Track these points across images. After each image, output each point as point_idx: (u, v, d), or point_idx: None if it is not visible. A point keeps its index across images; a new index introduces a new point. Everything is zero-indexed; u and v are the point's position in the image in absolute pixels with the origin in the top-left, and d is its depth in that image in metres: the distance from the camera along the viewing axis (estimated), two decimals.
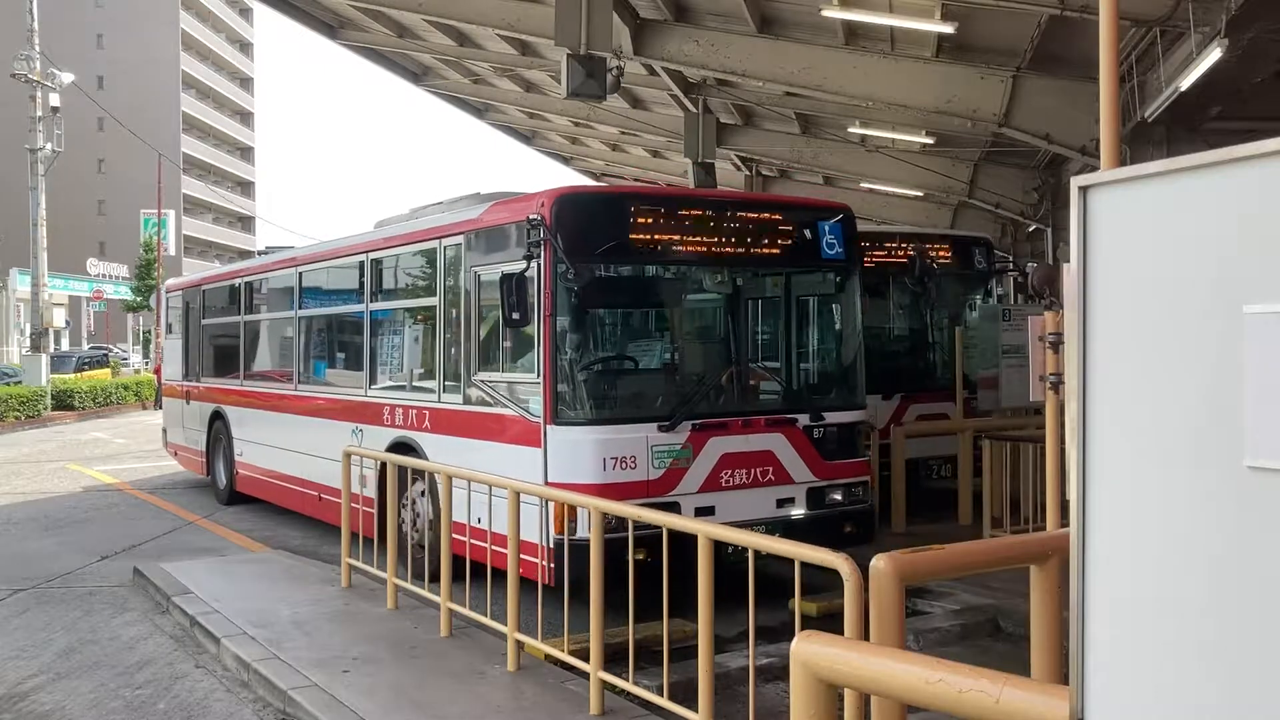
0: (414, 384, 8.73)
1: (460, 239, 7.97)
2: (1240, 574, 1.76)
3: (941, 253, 11.79)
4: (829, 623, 5.08)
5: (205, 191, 77.80)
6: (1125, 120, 11.31)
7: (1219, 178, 1.81)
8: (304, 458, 10.35)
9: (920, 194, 22.30)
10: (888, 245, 11.55)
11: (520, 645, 5.65)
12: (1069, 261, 2.15)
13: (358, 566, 7.52)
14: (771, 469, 7.48)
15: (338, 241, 10.70)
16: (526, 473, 6.80)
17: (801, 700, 2.94)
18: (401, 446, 8.45)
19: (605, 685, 4.98)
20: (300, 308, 10.92)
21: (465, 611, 6.18)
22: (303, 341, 10.94)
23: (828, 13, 12.21)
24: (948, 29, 11.74)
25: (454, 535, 6.52)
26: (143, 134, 52.71)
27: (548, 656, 5.68)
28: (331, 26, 19.78)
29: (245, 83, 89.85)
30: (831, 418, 7.82)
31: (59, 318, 44.97)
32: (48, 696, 5.76)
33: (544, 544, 6.68)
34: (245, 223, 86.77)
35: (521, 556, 6.02)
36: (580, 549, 5.88)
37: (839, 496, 7.77)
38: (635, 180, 34.84)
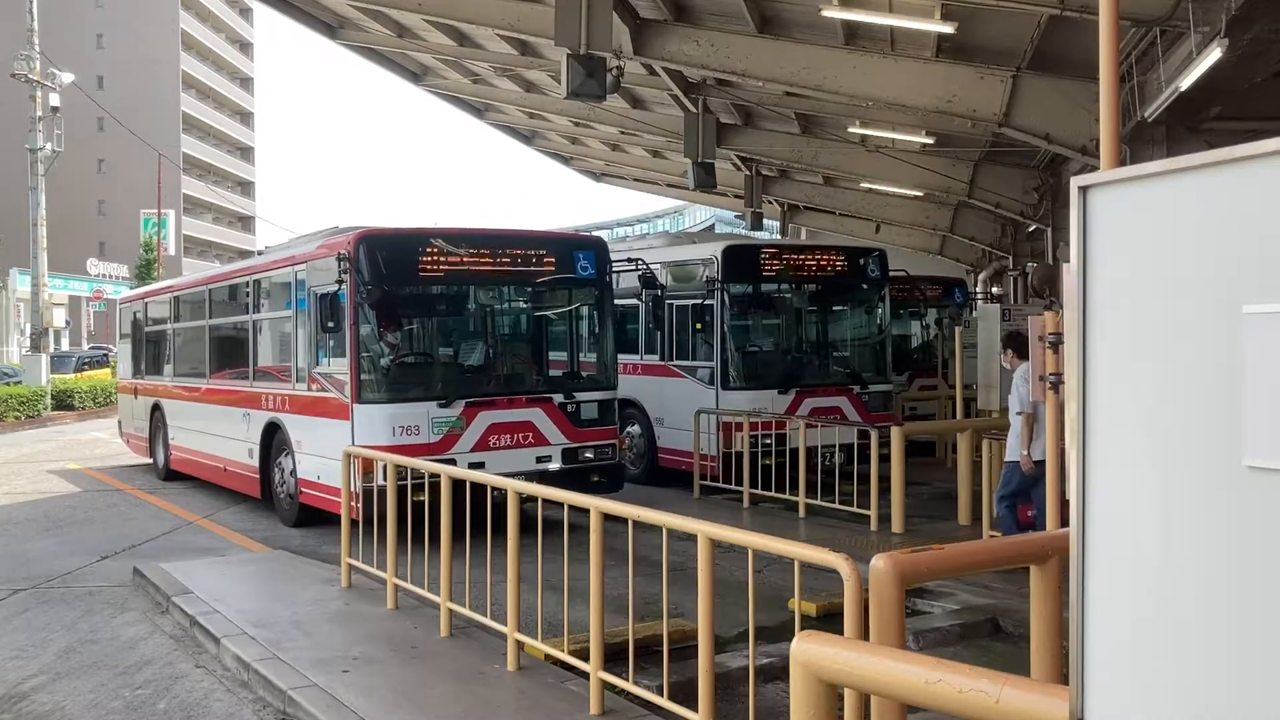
0: (279, 377, 11.19)
1: (305, 266, 10.46)
2: (1240, 574, 1.76)
3: (837, 264, 13.40)
4: (829, 623, 5.08)
5: (205, 191, 77.76)
6: (1125, 120, 11.31)
7: (1219, 178, 1.80)
8: (213, 438, 12.84)
9: (920, 194, 22.30)
10: (787, 258, 13.24)
11: (520, 645, 5.65)
12: (1069, 261, 2.15)
13: (358, 566, 7.52)
14: (531, 434, 10.02)
15: (235, 265, 14.43)
16: (343, 439, 9.24)
17: (801, 700, 2.94)
18: (273, 425, 11.02)
19: (605, 685, 4.97)
20: (210, 318, 13.58)
21: (465, 611, 6.18)
22: (211, 345, 13.49)
23: (828, 13, 12.21)
24: (948, 29, 11.73)
25: (308, 490, 9.68)
26: (143, 134, 52.72)
27: (547, 656, 5.68)
28: (331, 26, 19.77)
29: (245, 83, 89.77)
30: (583, 396, 10.40)
31: (59, 318, 44.92)
32: (47, 696, 5.76)
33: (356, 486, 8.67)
34: (245, 223, 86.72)
35: (337, 497, 8.61)
36: (376, 491, 8.14)
37: (590, 455, 10.32)
38: (635, 180, 34.90)
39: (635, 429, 13.67)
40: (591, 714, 4.92)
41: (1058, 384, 6.30)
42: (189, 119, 76.92)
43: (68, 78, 32.13)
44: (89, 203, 69.37)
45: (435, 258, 9.85)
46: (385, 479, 7.71)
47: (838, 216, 28.42)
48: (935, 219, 24.91)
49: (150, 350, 15.98)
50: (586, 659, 5.05)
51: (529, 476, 8.42)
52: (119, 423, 17.81)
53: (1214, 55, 8.88)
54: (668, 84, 17.50)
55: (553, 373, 11.05)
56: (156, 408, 15.10)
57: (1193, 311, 1.84)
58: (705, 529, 4.50)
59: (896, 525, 9.94)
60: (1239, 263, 1.76)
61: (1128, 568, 1.96)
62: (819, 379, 13.05)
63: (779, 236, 30.35)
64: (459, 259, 9.94)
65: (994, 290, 26.83)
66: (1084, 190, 2.03)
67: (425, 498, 6.69)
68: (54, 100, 30.95)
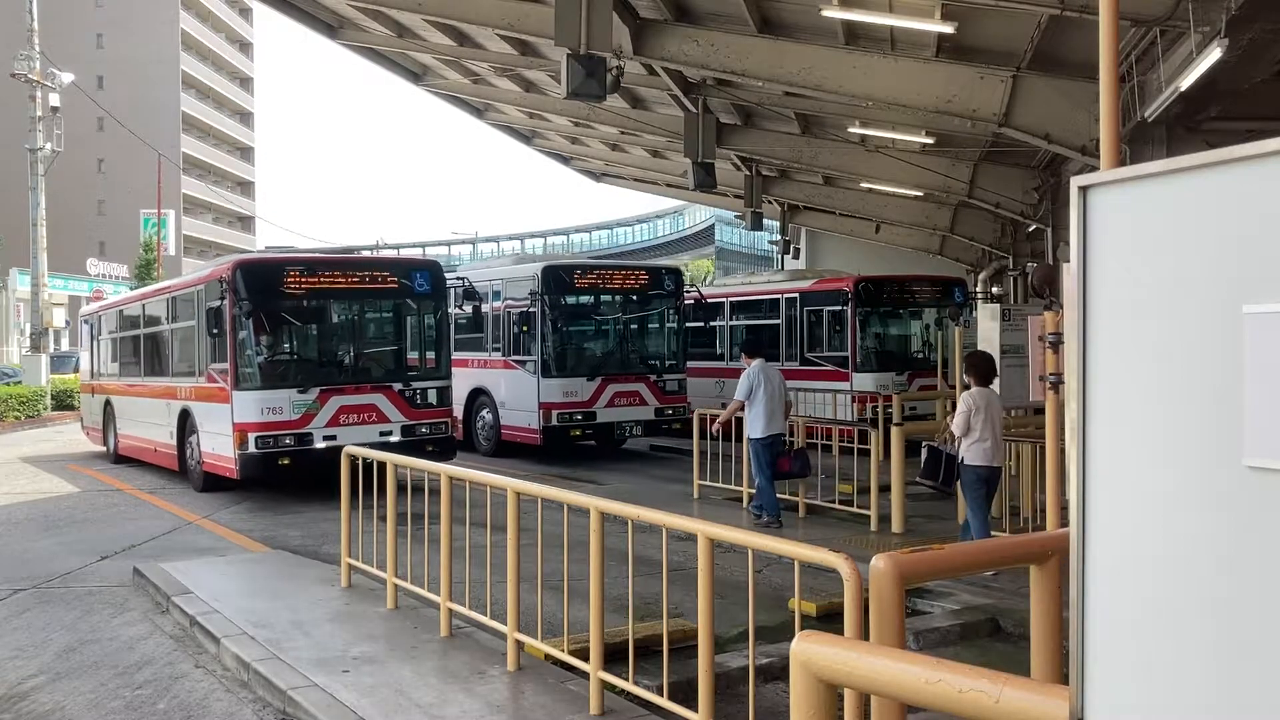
0: (189, 373, 13.86)
1: (204, 286, 13.17)
2: (1240, 574, 1.76)
3: (639, 279, 16.92)
4: (829, 623, 5.08)
5: (205, 191, 77.72)
6: (1125, 120, 11.31)
7: (1219, 178, 1.80)
8: (146, 425, 15.66)
9: (920, 194, 22.29)
10: (596, 274, 16.77)
11: (520, 645, 5.65)
12: (1069, 261, 2.15)
13: (358, 566, 7.52)
14: (375, 414, 12.74)
15: (160, 285, 17.65)
16: (227, 419, 12.26)
17: (801, 700, 2.94)
18: (185, 411, 13.83)
19: (605, 685, 4.97)
20: (143, 327, 16.42)
21: (465, 611, 6.18)
22: (145, 349, 16.41)
23: (828, 13, 12.21)
24: (948, 29, 11.74)
25: (208, 460, 13.09)
26: (143, 134, 52.69)
27: (547, 656, 5.68)
28: (331, 26, 19.76)
29: (245, 83, 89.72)
30: (419, 385, 13.15)
31: (59, 318, 44.92)
32: (48, 696, 5.76)
33: (234, 454, 12.19)
34: (245, 223, 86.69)
35: (225, 464, 12.46)
36: (250, 457, 12.07)
37: (425, 430, 13.04)
38: (635, 180, 34.88)
39: (487, 413, 16.86)
40: (591, 714, 4.92)
41: (1058, 384, 6.31)
42: (189, 119, 76.88)
43: (68, 78, 32.13)
44: (89, 203, 69.32)
45: (297, 278, 12.66)
46: (256, 447, 12.00)
47: (838, 216, 28.41)
48: (935, 219, 24.91)
49: (103, 355, 18.85)
50: (586, 659, 5.04)
51: (373, 446, 10.63)
52: (81, 418, 20.63)
53: (1214, 55, 8.88)
54: (668, 84, 17.49)
55: (394, 366, 13.71)
56: (108, 403, 17.82)
57: (1193, 311, 1.84)
58: (705, 529, 4.50)
59: (896, 525, 9.95)
60: (1239, 263, 1.76)
61: (1128, 568, 1.96)
62: (622, 369, 16.26)
63: (779, 236, 30.36)
64: (316, 279, 12.80)
65: (994, 290, 26.83)
66: (1084, 190, 2.02)
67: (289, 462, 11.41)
68: (54, 100, 30.95)
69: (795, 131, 20.64)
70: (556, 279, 15.86)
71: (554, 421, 15.43)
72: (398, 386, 12.97)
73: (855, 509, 10.40)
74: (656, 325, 17.19)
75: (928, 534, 9.68)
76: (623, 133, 25.02)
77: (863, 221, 27.33)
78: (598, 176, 35.79)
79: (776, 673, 5.63)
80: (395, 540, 6.95)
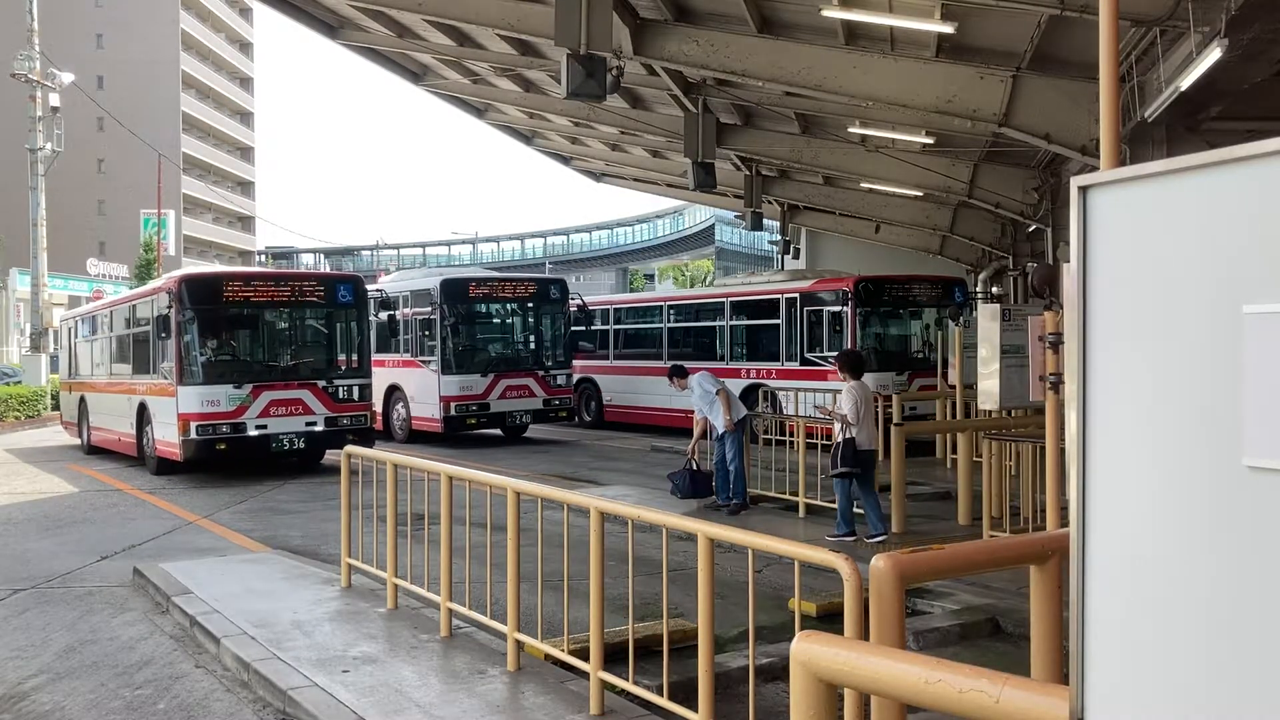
0: (147, 372, 15.77)
1: (155, 296, 15.33)
2: (1240, 574, 1.76)
3: (528, 290, 20.06)
4: (829, 623, 5.08)
5: (205, 191, 77.69)
6: (1125, 120, 11.31)
7: (1219, 178, 1.80)
8: (112, 418, 17.52)
9: (920, 194, 22.28)
10: (489, 284, 19.86)
11: (520, 645, 5.65)
12: (1069, 261, 2.15)
13: (358, 566, 7.52)
14: (301, 406, 14.79)
15: (122, 295, 19.91)
16: (173, 411, 14.22)
17: (801, 700, 2.94)
18: (143, 405, 15.74)
19: (605, 685, 4.97)
20: (109, 331, 18.39)
21: (465, 611, 6.18)
22: (111, 350, 18.29)
23: (828, 13, 12.20)
24: (948, 29, 11.73)
25: (159, 446, 15.03)
26: (143, 134, 52.69)
27: (547, 656, 5.68)
28: (331, 26, 19.75)
29: (245, 83, 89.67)
30: (342, 382, 15.29)
31: (59, 318, 44.95)
32: (47, 696, 5.76)
33: (179, 440, 14.16)
34: (245, 223, 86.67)
35: (172, 450, 14.38)
36: (191, 442, 14.04)
37: (347, 421, 15.09)
38: (635, 180, 34.87)
39: (401, 407, 19.48)
40: (591, 714, 4.92)
41: (1058, 384, 6.30)
42: (189, 119, 76.84)
43: (68, 78, 32.12)
44: (89, 203, 69.30)
45: (233, 290, 14.90)
46: (196, 434, 13.97)
47: (838, 216, 28.40)
48: (935, 219, 24.90)
49: (79, 357, 20.72)
50: (586, 659, 5.04)
51: (299, 434, 14.71)
52: (61, 414, 22.68)
53: (1214, 55, 8.88)
54: (668, 84, 17.49)
55: (319, 365, 15.56)
56: (82, 400, 19.69)
57: (1193, 311, 1.83)
58: (705, 529, 4.49)
59: (896, 525, 9.94)
60: (1239, 263, 1.76)
61: (1128, 568, 1.96)
62: (514, 366, 19.21)
63: (779, 236, 30.36)
64: (251, 290, 14.93)
65: (994, 290, 26.82)
66: (1084, 190, 2.02)
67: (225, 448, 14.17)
68: (54, 100, 30.95)
69: (795, 131, 20.63)
70: (452, 290, 18.59)
71: (453, 412, 18.25)
72: (322, 383, 15.05)
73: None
74: (545, 329, 20.13)
75: (928, 534, 9.67)
76: (623, 133, 25.00)
77: (863, 221, 27.32)
78: (598, 176, 35.77)
79: (776, 673, 5.63)
80: (395, 540, 6.95)
